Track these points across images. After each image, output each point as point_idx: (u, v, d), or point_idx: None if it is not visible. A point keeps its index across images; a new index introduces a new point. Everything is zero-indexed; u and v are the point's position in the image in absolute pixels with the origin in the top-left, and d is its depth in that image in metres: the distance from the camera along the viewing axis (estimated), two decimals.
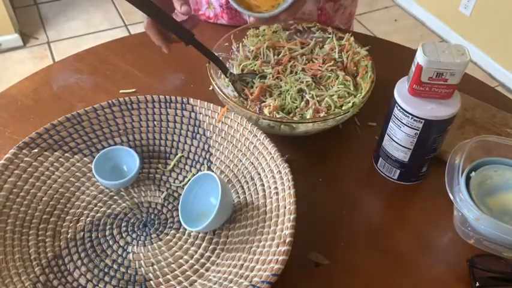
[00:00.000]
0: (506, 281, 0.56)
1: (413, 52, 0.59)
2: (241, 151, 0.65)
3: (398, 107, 0.60)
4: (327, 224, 0.63)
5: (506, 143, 0.62)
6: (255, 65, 0.76)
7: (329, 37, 0.80)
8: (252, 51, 0.78)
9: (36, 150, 0.62)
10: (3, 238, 0.55)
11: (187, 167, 0.68)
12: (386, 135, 0.65)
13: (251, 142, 0.64)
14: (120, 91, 0.80)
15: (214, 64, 0.72)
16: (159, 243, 0.60)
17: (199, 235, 0.60)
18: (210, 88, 0.79)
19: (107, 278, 0.56)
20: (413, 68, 0.58)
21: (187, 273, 0.57)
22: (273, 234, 0.55)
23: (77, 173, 0.64)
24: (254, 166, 0.63)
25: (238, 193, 0.64)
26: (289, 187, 0.57)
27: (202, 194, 0.62)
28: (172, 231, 0.61)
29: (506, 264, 0.57)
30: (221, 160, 0.67)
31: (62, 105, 0.77)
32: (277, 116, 0.67)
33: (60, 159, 0.64)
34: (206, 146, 0.68)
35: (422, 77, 0.57)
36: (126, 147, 0.66)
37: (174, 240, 0.60)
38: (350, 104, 0.67)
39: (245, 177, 0.64)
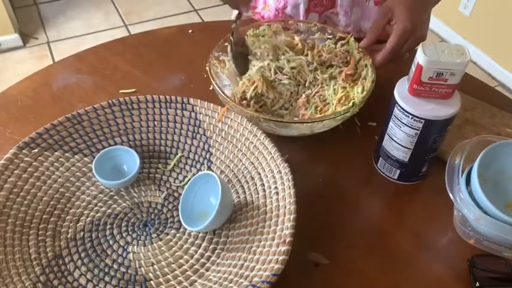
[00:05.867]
0: (507, 281, 0.56)
1: (413, 52, 0.59)
2: (241, 151, 0.65)
3: (399, 107, 0.60)
4: (327, 224, 0.63)
5: None
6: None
7: (329, 38, 0.80)
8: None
9: (36, 150, 0.62)
10: (3, 238, 0.55)
11: (187, 167, 0.68)
12: (386, 135, 0.65)
13: (251, 142, 0.64)
14: (120, 91, 0.80)
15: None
16: (159, 243, 0.60)
17: (199, 235, 0.60)
18: (210, 88, 0.79)
19: (107, 278, 0.56)
20: (413, 68, 0.58)
21: (188, 273, 0.57)
22: (273, 234, 0.55)
23: (77, 173, 0.64)
24: (254, 166, 0.63)
25: (238, 193, 0.64)
26: (289, 187, 0.57)
27: (202, 194, 0.62)
28: (173, 231, 0.61)
29: (506, 264, 0.57)
30: (221, 160, 0.67)
31: (62, 105, 0.77)
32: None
33: (60, 159, 0.64)
34: (206, 146, 0.68)
35: (422, 76, 0.57)
36: (126, 147, 0.66)
37: (174, 240, 0.60)
38: (350, 104, 0.67)
39: (245, 177, 0.64)
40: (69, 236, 0.59)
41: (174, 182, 0.67)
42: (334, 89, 0.72)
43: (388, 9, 0.73)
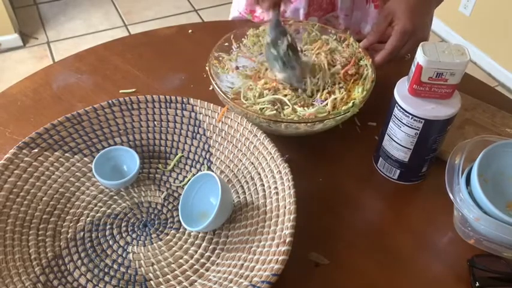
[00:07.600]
0: (506, 281, 0.56)
1: (414, 53, 0.59)
2: (241, 151, 0.65)
3: (398, 107, 0.60)
4: (327, 224, 0.63)
5: None
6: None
7: (329, 38, 0.80)
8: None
9: (36, 150, 0.62)
10: (3, 238, 0.55)
11: (187, 167, 0.68)
12: (386, 135, 0.65)
13: (251, 142, 0.64)
14: (120, 91, 0.80)
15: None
16: (159, 243, 0.60)
17: (199, 235, 0.60)
18: (210, 88, 0.79)
19: (107, 278, 0.56)
20: (413, 68, 0.58)
21: (187, 273, 0.57)
22: (273, 234, 0.55)
23: (77, 173, 0.64)
24: (254, 166, 0.63)
25: (238, 193, 0.64)
26: (289, 187, 0.57)
27: (202, 194, 0.62)
28: (172, 231, 0.61)
29: (506, 264, 0.57)
30: (221, 160, 0.67)
31: (62, 105, 0.77)
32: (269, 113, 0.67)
33: (60, 159, 0.64)
34: (206, 146, 0.68)
35: (422, 77, 0.57)
36: (126, 147, 0.66)
37: (174, 240, 0.60)
38: (350, 104, 0.67)
39: (245, 177, 0.64)
40: (69, 236, 0.59)
41: (174, 182, 0.66)
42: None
43: (389, 11, 0.73)
